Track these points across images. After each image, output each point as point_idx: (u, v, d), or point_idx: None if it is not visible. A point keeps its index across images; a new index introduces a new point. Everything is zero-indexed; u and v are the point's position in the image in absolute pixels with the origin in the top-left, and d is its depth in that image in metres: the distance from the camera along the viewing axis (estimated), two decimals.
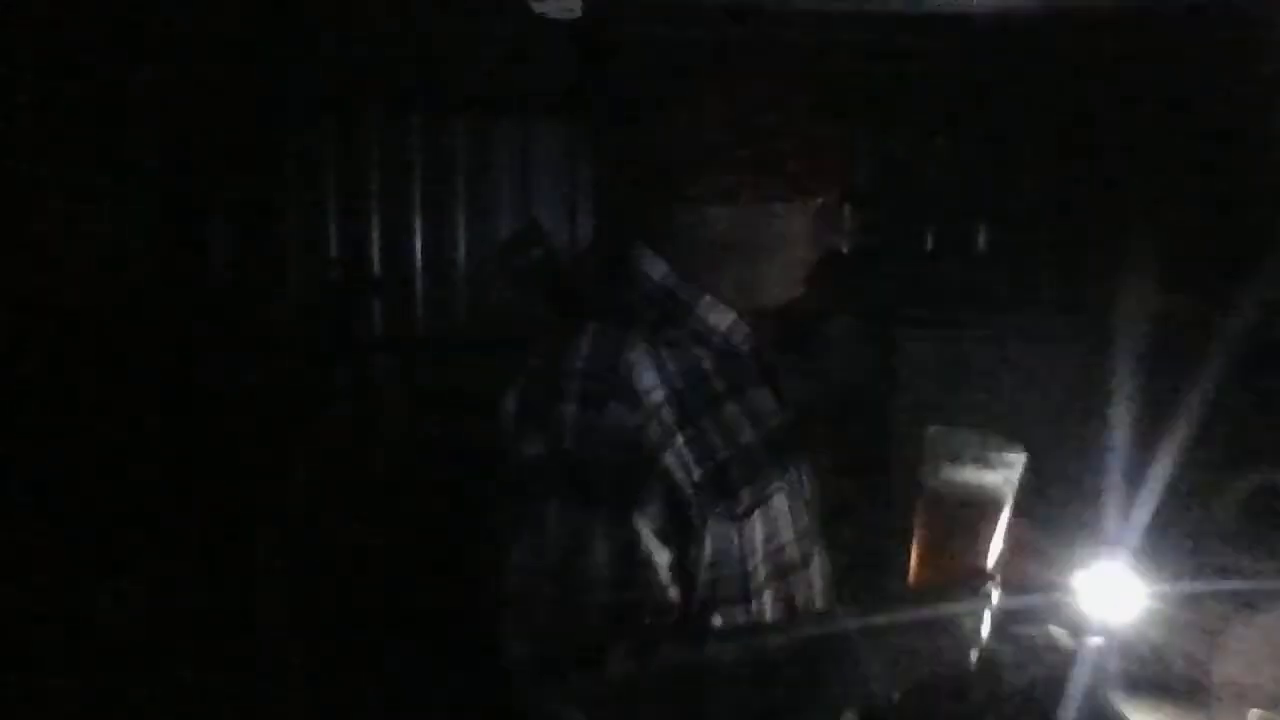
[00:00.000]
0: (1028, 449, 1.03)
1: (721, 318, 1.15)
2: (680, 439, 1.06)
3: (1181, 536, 1.88)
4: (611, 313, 1.11)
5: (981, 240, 3.18)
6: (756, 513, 1.10)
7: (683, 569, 1.05)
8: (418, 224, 3.14)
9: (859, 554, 1.25)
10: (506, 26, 2.71)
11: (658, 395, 1.06)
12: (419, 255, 3.15)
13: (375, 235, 3.13)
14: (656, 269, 1.15)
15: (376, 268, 3.12)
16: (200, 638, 2.44)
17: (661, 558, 1.03)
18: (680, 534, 1.05)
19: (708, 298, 1.14)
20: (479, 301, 3.10)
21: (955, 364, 2.43)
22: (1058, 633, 1.68)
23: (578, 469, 1.03)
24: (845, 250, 1.14)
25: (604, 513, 1.02)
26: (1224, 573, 1.91)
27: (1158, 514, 1.43)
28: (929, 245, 3.19)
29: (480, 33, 2.81)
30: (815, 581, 1.18)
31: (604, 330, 1.08)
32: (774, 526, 1.12)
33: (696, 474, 1.06)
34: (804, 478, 1.20)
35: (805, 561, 1.16)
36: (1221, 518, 2.04)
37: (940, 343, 2.45)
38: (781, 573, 1.13)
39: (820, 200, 1.13)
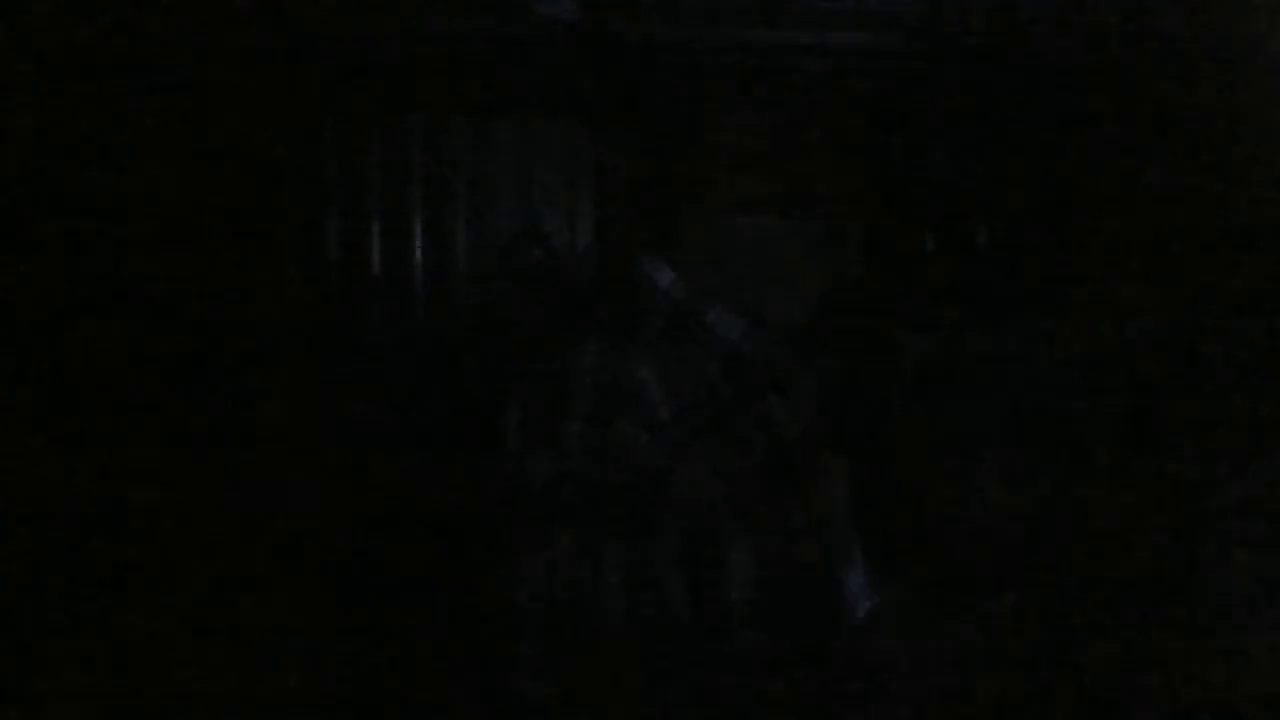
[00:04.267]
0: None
1: (732, 328, 1.11)
2: (691, 457, 1.02)
3: None
4: (616, 323, 1.08)
5: (982, 240, 3.18)
6: (775, 531, 1.06)
7: (700, 593, 1.01)
8: (417, 224, 3.14)
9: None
10: (506, 26, 2.71)
11: (667, 411, 1.03)
12: (418, 256, 3.15)
13: (374, 235, 3.13)
14: (663, 278, 1.11)
15: (375, 268, 3.12)
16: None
17: (678, 582, 1.00)
18: (695, 557, 1.01)
19: (717, 307, 1.10)
20: (479, 303, 3.10)
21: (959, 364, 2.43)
22: None
23: (587, 491, 0.99)
24: (858, 275, 1.11)
25: (617, 538, 0.99)
26: None
27: None
28: (929, 245, 3.19)
29: (480, 33, 2.81)
30: (840, 599, 1.13)
31: (609, 342, 1.05)
32: (794, 545, 1.08)
33: (710, 493, 1.02)
34: (824, 492, 1.14)
35: (828, 579, 1.12)
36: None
37: (943, 344, 2.45)
38: (803, 592, 1.09)
39: (842, 220, 1.10)
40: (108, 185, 2.71)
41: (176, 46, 2.64)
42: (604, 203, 3.09)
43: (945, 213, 3.10)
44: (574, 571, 0.98)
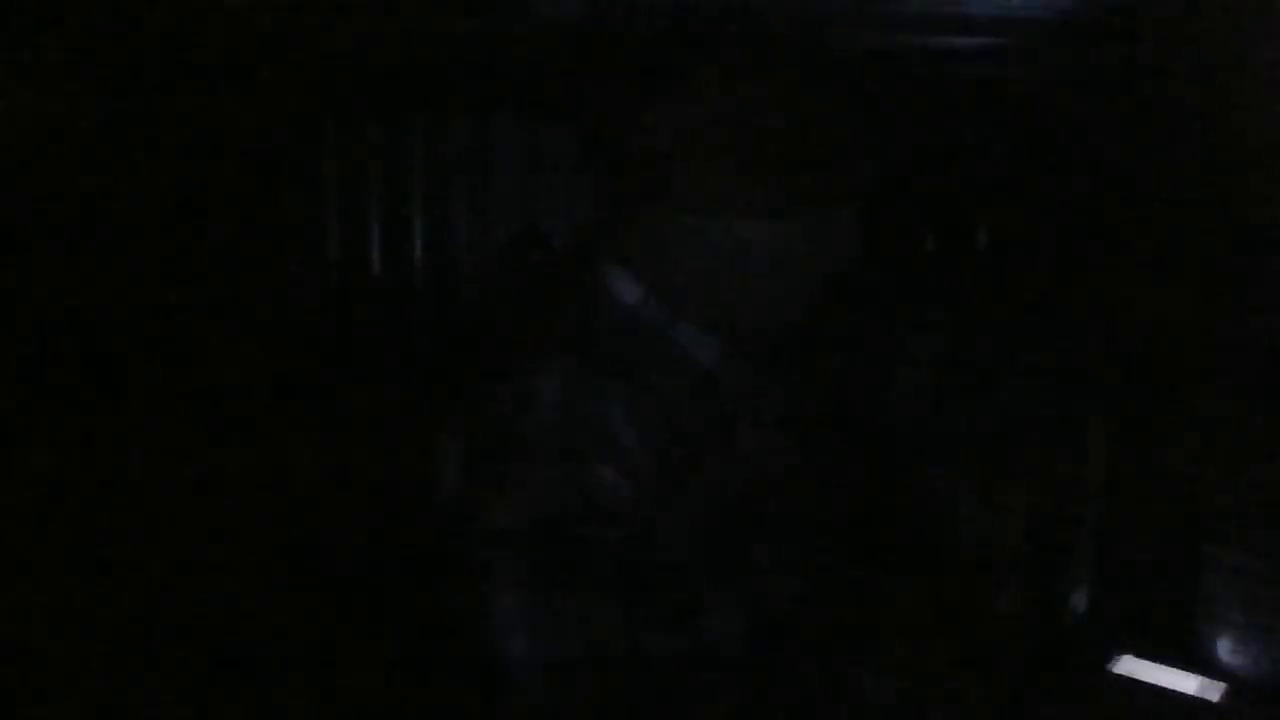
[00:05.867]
0: None
1: (706, 351, 0.97)
2: (668, 504, 0.88)
3: None
4: (582, 347, 0.94)
5: (982, 240, 3.17)
6: (757, 586, 0.93)
7: (678, 652, 0.88)
8: (417, 224, 3.14)
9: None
10: (506, 26, 2.70)
11: (642, 454, 0.88)
12: (418, 256, 3.15)
13: (374, 236, 3.13)
14: (630, 292, 0.97)
15: (376, 268, 3.12)
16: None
17: (657, 641, 0.87)
18: (674, 615, 0.88)
19: (690, 328, 0.96)
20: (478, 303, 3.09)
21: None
22: None
23: (558, 543, 0.84)
24: (859, 268, 1.00)
25: (591, 595, 0.84)
26: None
27: None
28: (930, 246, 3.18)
29: (480, 33, 2.80)
30: (822, 652, 1.00)
31: (577, 370, 0.91)
32: (776, 600, 0.94)
33: (689, 545, 0.88)
34: (809, 535, 1.01)
35: (811, 633, 0.99)
36: None
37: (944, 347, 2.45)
38: (787, 650, 0.95)
39: (828, 211, 0.95)
40: (108, 185, 2.71)
41: (177, 45, 2.64)
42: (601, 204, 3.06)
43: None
44: (544, 635, 0.83)
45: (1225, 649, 1.94)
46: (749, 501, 0.96)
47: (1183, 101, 2.27)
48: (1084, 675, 1.97)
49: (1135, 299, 2.38)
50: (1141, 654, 2.00)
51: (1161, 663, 1.97)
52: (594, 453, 0.87)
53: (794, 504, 1.01)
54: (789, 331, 1.01)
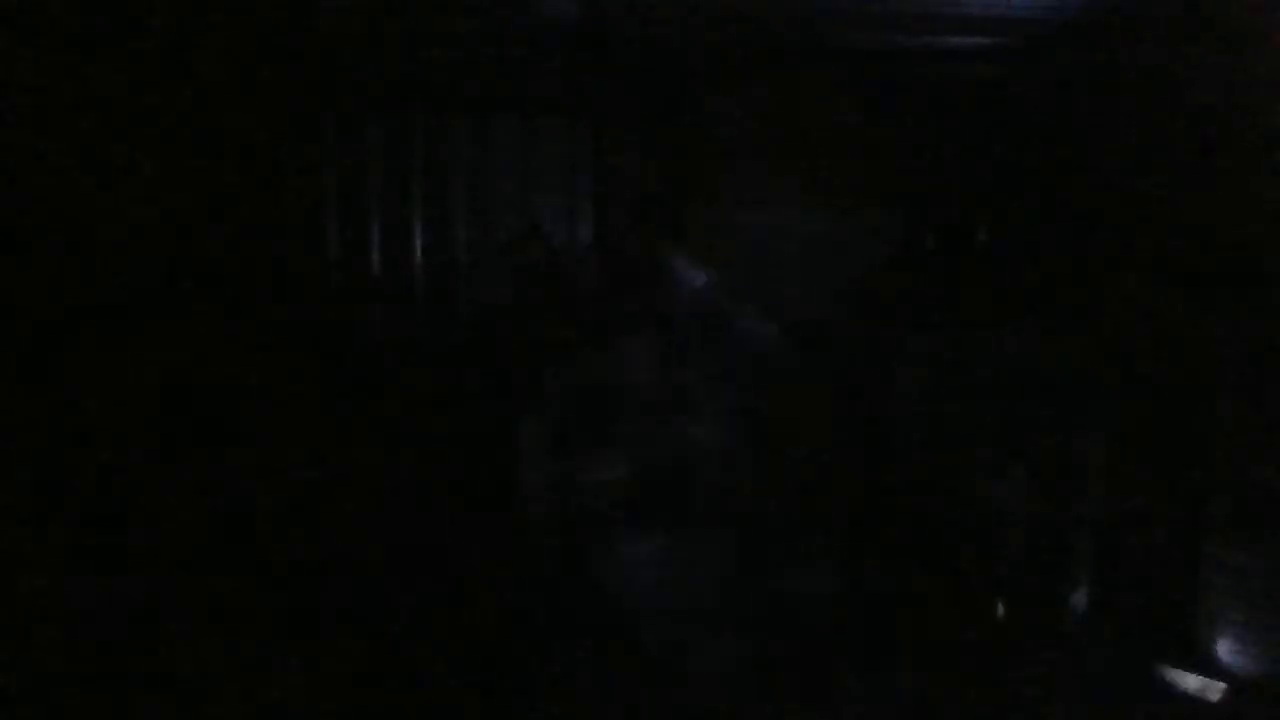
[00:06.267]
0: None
1: (760, 335, 0.99)
2: (737, 467, 0.95)
3: None
4: (652, 322, 1.02)
5: (981, 239, 3.17)
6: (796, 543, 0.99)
7: (768, 599, 0.94)
8: (417, 224, 3.14)
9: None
10: (506, 26, 2.71)
11: (714, 417, 0.93)
12: (419, 255, 3.15)
13: (374, 236, 3.13)
14: (694, 278, 1.00)
15: (376, 268, 3.12)
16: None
17: (757, 584, 0.93)
18: (746, 560, 0.95)
19: (748, 313, 0.98)
20: (479, 303, 3.09)
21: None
22: None
23: (667, 489, 0.87)
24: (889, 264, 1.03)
25: (698, 534, 0.89)
26: None
27: None
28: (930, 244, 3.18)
29: (480, 33, 2.81)
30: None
31: (654, 341, 0.97)
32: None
33: (754, 505, 0.95)
34: (835, 514, 1.05)
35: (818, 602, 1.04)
36: None
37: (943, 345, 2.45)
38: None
39: (877, 208, 1.02)
40: (108, 186, 2.71)
41: (177, 43, 2.64)
42: (607, 202, 3.08)
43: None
44: (656, 572, 0.90)
45: (1225, 649, 1.95)
46: (792, 478, 1.01)
47: (1183, 101, 2.27)
48: (1084, 675, 1.97)
49: (1135, 299, 2.38)
50: (1141, 654, 2.01)
51: (1161, 663, 1.98)
52: (681, 410, 0.93)
53: (815, 495, 1.05)
54: (824, 325, 1.07)
